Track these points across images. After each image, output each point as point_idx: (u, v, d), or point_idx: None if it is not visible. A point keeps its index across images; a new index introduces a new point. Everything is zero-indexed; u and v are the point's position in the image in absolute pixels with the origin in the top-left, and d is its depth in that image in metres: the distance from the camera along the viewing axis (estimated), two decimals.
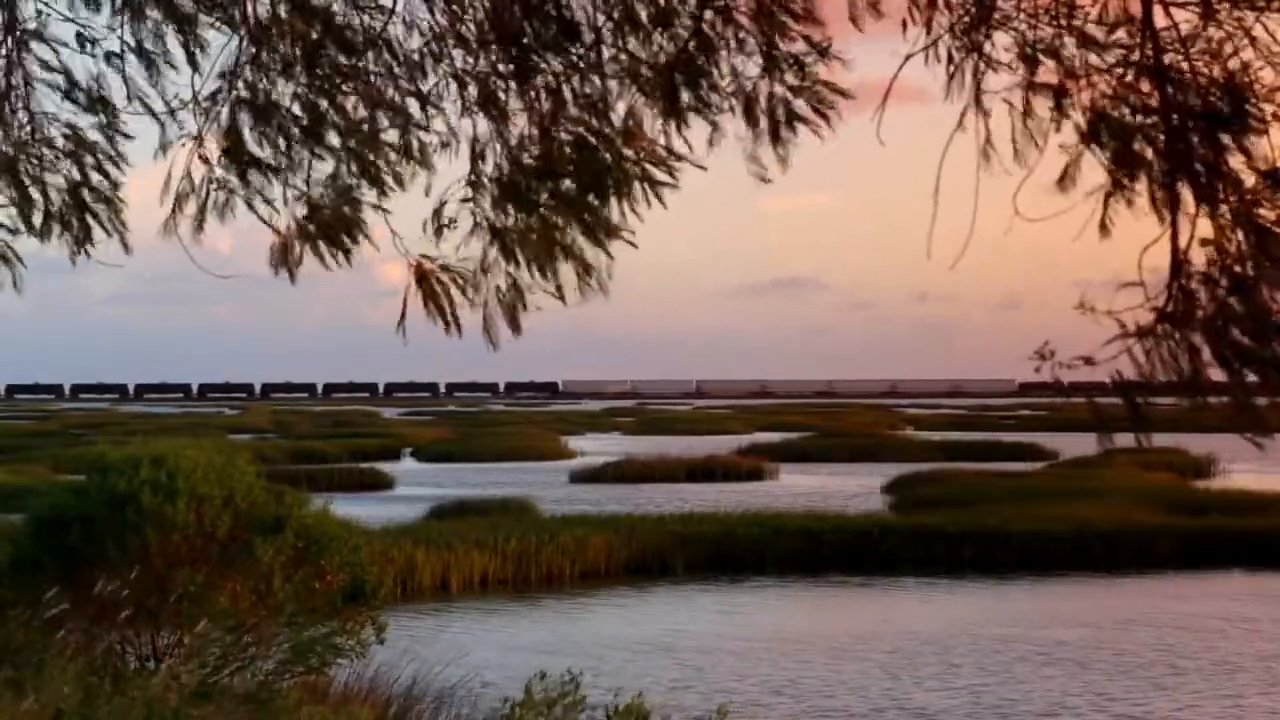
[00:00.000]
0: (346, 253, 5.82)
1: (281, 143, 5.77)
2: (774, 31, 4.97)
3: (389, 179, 5.68)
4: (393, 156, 5.64)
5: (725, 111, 5.19)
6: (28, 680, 10.95)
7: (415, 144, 5.62)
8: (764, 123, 5.10)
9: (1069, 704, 21.80)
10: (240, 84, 5.76)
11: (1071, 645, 26.03)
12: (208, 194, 5.89)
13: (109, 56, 6.04)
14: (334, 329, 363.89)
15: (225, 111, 5.81)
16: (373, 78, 5.58)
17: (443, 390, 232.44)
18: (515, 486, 53.91)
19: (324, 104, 5.63)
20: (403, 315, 5.63)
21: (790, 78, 5.06)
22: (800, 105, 5.10)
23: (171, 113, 5.95)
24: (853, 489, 54.78)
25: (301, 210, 5.78)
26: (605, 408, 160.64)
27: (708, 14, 5.02)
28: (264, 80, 5.73)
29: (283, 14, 5.57)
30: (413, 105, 5.59)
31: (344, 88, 5.59)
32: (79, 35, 6.11)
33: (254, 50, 5.68)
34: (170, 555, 14.61)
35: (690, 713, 18.95)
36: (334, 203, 5.74)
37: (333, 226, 5.77)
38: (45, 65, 6.22)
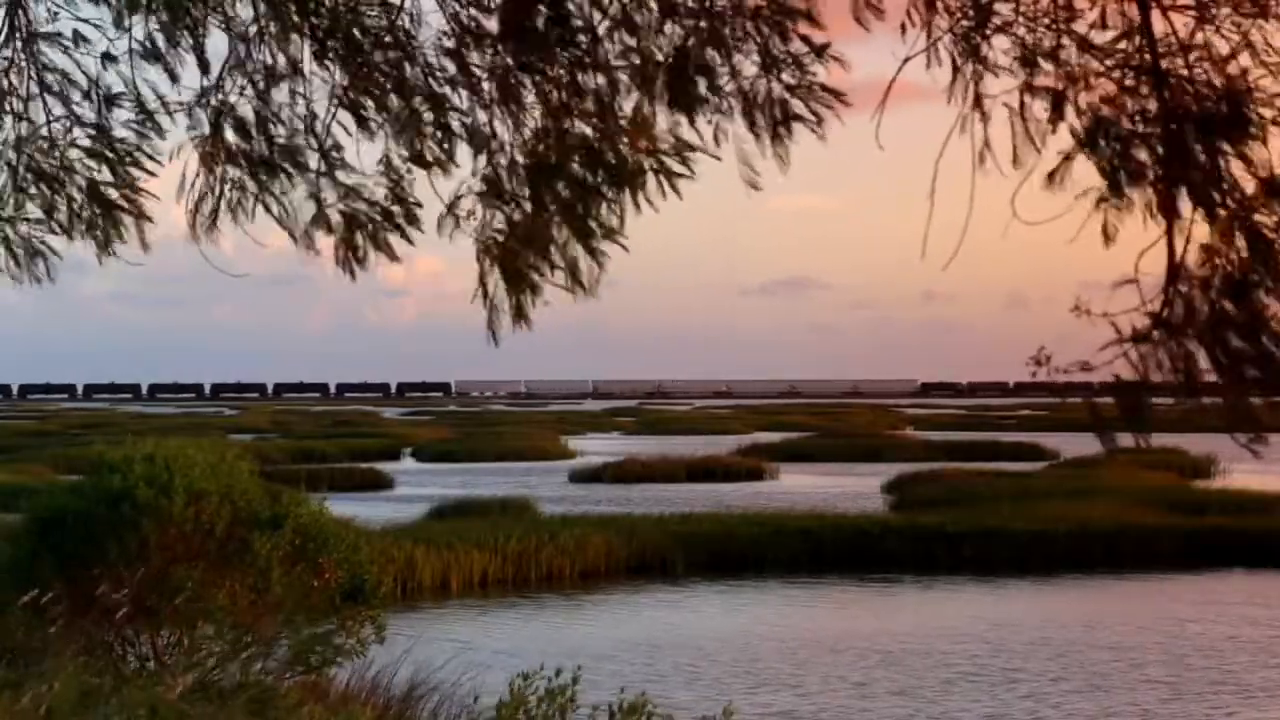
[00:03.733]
0: (403, 238, 5.82)
1: (309, 140, 5.77)
2: (772, 31, 4.97)
3: (440, 159, 5.65)
4: (439, 135, 5.62)
5: (725, 111, 5.19)
6: (27, 680, 10.95)
7: (457, 125, 5.60)
8: (762, 122, 5.10)
9: (1074, 709, 21.80)
10: (252, 82, 5.75)
11: (1076, 647, 26.03)
12: (222, 193, 5.89)
13: (118, 57, 6.04)
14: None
15: (238, 110, 5.81)
16: (398, 67, 5.57)
17: (333, 391, 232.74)
18: (515, 486, 53.89)
19: (362, 97, 5.62)
20: (485, 295, 5.59)
21: (788, 77, 5.07)
22: (797, 105, 5.10)
23: (186, 112, 5.95)
24: (853, 489, 54.76)
25: (343, 206, 5.78)
26: (606, 408, 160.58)
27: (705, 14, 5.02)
28: (272, 78, 5.73)
29: (295, 11, 5.57)
30: (445, 91, 5.58)
31: (376, 78, 5.58)
32: (79, 35, 6.12)
33: (268, 48, 5.68)
34: (168, 552, 14.61)
35: (690, 712, 18.95)
36: (383, 194, 5.73)
37: (381, 219, 5.77)
38: (54, 67, 6.22)
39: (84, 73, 6.18)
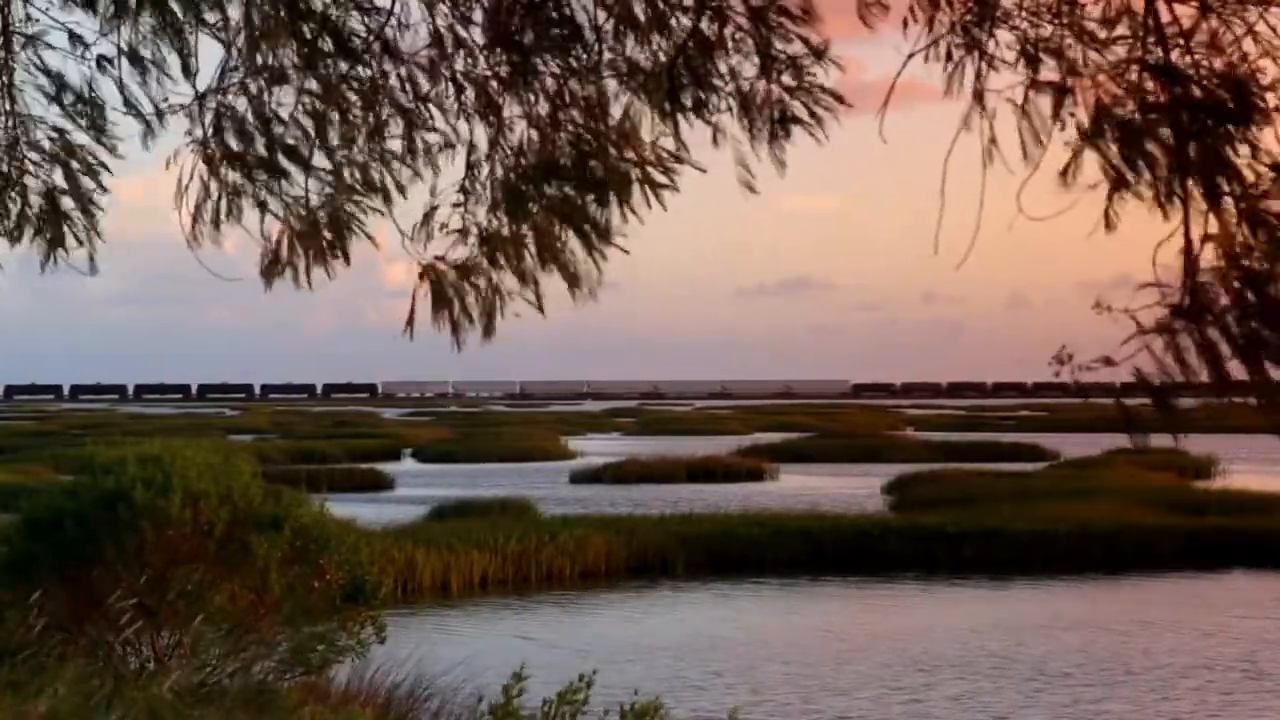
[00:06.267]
0: (344, 256, 5.80)
1: (281, 147, 5.75)
2: (770, 33, 4.95)
3: (390, 186, 5.66)
4: (394, 164, 5.62)
5: (724, 112, 5.17)
6: (27, 681, 10.94)
7: (419, 145, 5.59)
8: (760, 124, 5.08)
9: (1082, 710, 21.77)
10: (238, 88, 5.74)
11: (1078, 649, 26.01)
12: (208, 198, 5.88)
13: (102, 61, 6.01)
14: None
15: (226, 115, 5.79)
16: (373, 79, 5.55)
17: (258, 392, 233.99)
18: (515, 486, 53.88)
19: (324, 107, 5.61)
20: (410, 316, 5.60)
21: (787, 79, 5.04)
22: (796, 107, 5.08)
23: (169, 115, 5.93)
24: (853, 489, 54.76)
25: (299, 215, 5.77)
26: (606, 409, 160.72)
27: (705, 15, 5.00)
28: (262, 84, 5.71)
29: (280, 16, 5.54)
30: (414, 106, 5.56)
31: (345, 90, 5.57)
32: (71, 38, 6.09)
33: (251, 53, 5.66)
34: (167, 553, 14.58)
35: (690, 713, 18.94)
36: (330, 207, 5.72)
37: (326, 232, 5.75)
38: (36, 69, 6.19)
39: (49, 73, 6.16)
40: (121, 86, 5.99)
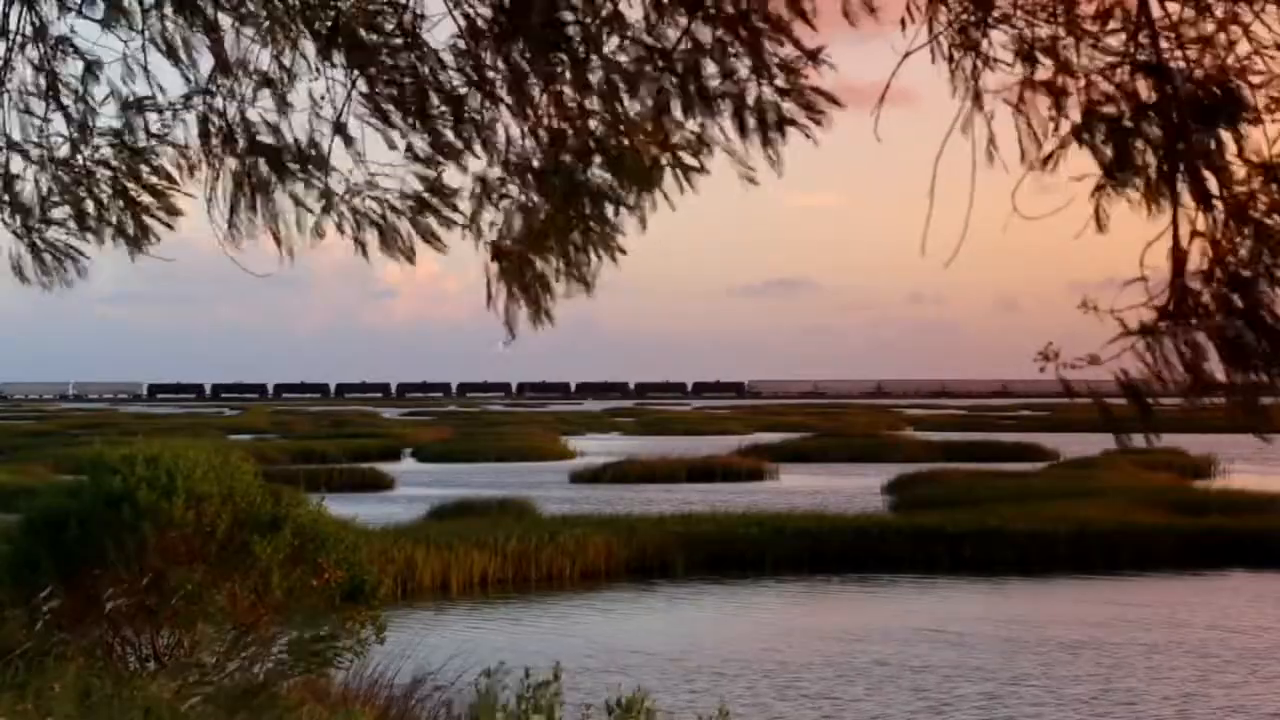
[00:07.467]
0: (436, 238, 5.84)
1: (320, 137, 5.77)
2: (763, 36, 4.96)
3: (462, 150, 5.67)
4: (451, 137, 5.63)
5: (719, 113, 5.18)
6: (27, 681, 10.93)
7: (468, 128, 5.60)
8: (753, 124, 5.10)
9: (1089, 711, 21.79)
10: (271, 79, 5.75)
11: (1083, 648, 26.02)
12: (244, 191, 5.89)
13: (134, 57, 6.03)
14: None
15: (254, 109, 5.82)
16: (415, 68, 5.57)
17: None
18: (515, 486, 53.88)
19: (377, 91, 5.62)
20: (489, 297, 5.60)
21: (780, 81, 5.05)
22: (790, 108, 5.09)
23: (199, 107, 5.95)
24: (853, 489, 54.76)
25: (369, 200, 5.79)
26: (606, 408, 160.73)
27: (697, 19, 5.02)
28: (293, 76, 5.73)
29: (312, 6, 5.56)
30: (461, 89, 5.58)
31: (393, 76, 5.58)
32: (104, 25, 6.11)
33: (284, 46, 5.68)
34: (168, 553, 14.58)
35: (690, 713, 18.93)
36: (411, 192, 5.75)
37: (418, 208, 5.78)
38: (71, 70, 6.21)
39: (71, 78, 6.17)
40: (158, 83, 6.03)
